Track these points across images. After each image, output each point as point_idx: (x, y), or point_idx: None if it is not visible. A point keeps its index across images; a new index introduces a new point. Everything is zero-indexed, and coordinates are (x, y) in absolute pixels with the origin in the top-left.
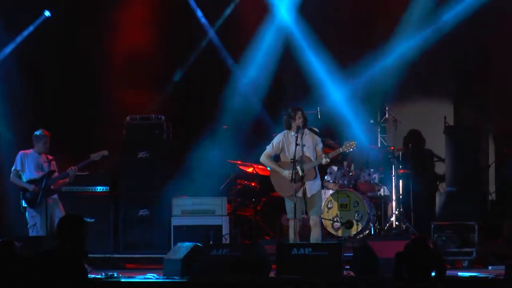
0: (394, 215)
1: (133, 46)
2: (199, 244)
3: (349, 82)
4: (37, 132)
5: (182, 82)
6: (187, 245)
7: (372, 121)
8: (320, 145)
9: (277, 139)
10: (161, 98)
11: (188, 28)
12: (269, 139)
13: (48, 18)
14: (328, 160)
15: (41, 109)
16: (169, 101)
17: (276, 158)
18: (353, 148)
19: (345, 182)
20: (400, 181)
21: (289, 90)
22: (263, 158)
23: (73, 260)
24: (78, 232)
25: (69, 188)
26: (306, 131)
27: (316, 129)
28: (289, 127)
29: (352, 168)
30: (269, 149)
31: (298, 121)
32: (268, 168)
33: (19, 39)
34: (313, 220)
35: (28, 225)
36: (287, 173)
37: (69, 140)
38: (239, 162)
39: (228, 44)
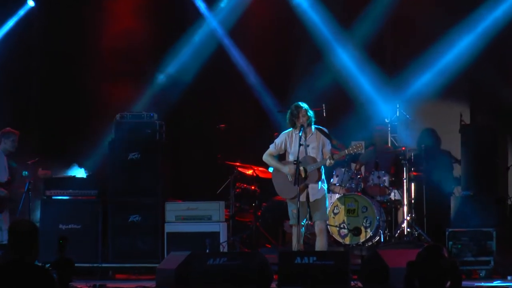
0: (405, 221)
1: (123, 38)
2: (195, 253)
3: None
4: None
5: (176, 77)
6: (182, 253)
7: (387, 120)
8: (328, 147)
9: (281, 138)
10: (153, 94)
11: (182, 18)
12: (270, 139)
13: (32, 8)
14: (332, 162)
15: (23, 106)
16: (162, 97)
17: (281, 159)
18: (360, 150)
19: (353, 185)
20: (412, 184)
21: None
22: (265, 157)
23: (25, 272)
24: (23, 241)
25: (56, 193)
26: (313, 130)
27: (324, 129)
28: (293, 126)
29: (363, 170)
30: (272, 148)
31: (302, 119)
32: (270, 170)
33: (0, 30)
34: (318, 226)
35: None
36: (287, 169)
37: (53, 140)
38: (238, 163)
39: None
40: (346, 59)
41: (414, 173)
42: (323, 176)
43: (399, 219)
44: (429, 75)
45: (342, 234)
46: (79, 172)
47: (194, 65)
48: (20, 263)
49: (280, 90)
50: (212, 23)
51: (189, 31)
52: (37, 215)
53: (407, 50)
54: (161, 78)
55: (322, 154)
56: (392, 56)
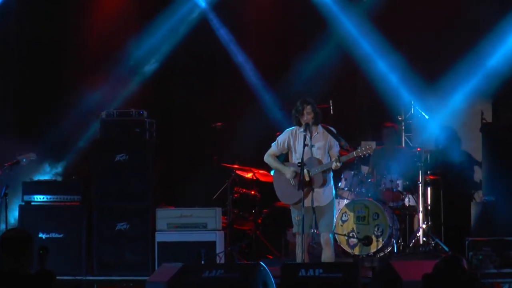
0: (421, 230)
1: (109, 26)
2: (189, 264)
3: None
4: None
5: (167, 69)
6: (174, 265)
7: (400, 117)
8: (336, 148)
9: (283, 136)
10: (142, 89)
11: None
12: (272, 139)
13: None
14: (339, 164)
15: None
16: (153, 93)
17: (286, 160)
18: (370, 152)
19: (363, 190)
20: (429, 188)
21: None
22: (266, 157)
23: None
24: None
25: (35, 198)
26: (319, 129)
27: (332, 128)
28: (298, 123)
29: (375, 173)
30: (274, 147)
31: (307, 117)
32: (271, 173)
33: None
34: (324, 236)
35: None
36: (290, 172)
37: (34, 140)
38: (236, 166)
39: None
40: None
41: (431, 177)
42: (330, 180)
43: (414, 227)
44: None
45: (351, 243)
46: (51, 174)
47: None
48: (14, 274)
49: (281, 85)
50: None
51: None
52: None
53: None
54: (148, 68)
55: (329, 156)
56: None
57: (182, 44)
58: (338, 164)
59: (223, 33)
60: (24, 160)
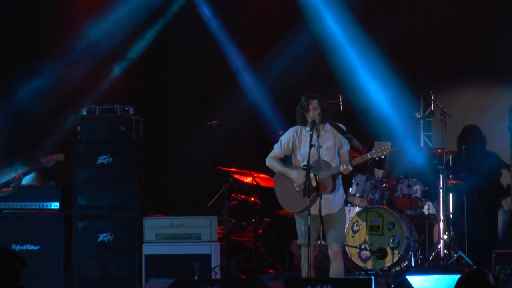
0: (442, 241)
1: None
2: (180, 280)
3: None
4: None
5: (156, 60)
6: (164, 281)
7: (417, 115)
8: (346, 148)
9: (287, 136)
10: (127, 80)
11: None
12: (275, 139)
13: None
14: (350, 168)
15: None
16: (140, 87)
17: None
18: (386, 154)
19: (377, 196)
20: (451, 195)
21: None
22: (268, 161)
23: None
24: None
25: (8, 205)
26: (327, 127)
27: (342, 126)
28: (303, 122)
29: (390, 177)
30: (276, 149)
31: (313, 113)
32: (274, 177)
33: None
34: (332, 249)
35: None
36: (295, 175)
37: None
38: (233, 169)
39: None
40: None
41: (453, 181)
42: (340, 185)
43: (434, 238)
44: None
45: (364, 257)
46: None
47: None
48: None
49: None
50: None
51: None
52: None
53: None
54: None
55: (340, 157)
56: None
57: (170, 31)
58: (349, 167)
59: (214, 24)
60: (50, 162)
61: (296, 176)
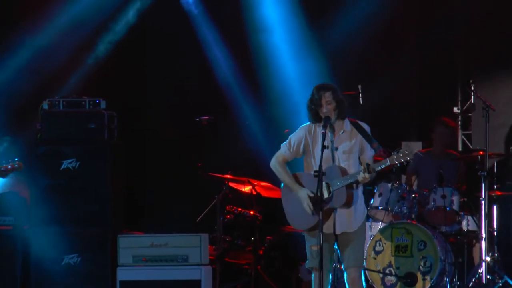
0: (484, 263)
1: None
2: None
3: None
4: None
5: (133, 47)
6: None
7: (457, 110)
8: (370, 153)
9: (298, 136)
10: (98, 70)
11: None
12: (281, 138)
13: None
14: (367, 176)
15: None
16: (114, 76)
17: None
18: (410, 159)
19: (404, 209)
20: (495, 208)
21: None
22: (273, 163)
23: None
24: None
25: None
26: (346, 126)
27: (365, 125)
28: (317, 119)
29: (415, 185)
30: (284, 149)
31: (326, 108)
32: (281, 187)
33: None
34: (351, 273)
35: None
36: (304, 194)
37: None
38: (228, 175)
39: None
40: None
41: (498, 192)
42: (359, 197)
43: (475, 261)
44: None
45: (388, 283)
46: None
47: None
48: None
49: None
50: None
51: None
52: None
53: None
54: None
55: (360, 163)
56: None
57: (150, 17)
58: (367, 176)
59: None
60: (4, 173)
61: (304, 197)
